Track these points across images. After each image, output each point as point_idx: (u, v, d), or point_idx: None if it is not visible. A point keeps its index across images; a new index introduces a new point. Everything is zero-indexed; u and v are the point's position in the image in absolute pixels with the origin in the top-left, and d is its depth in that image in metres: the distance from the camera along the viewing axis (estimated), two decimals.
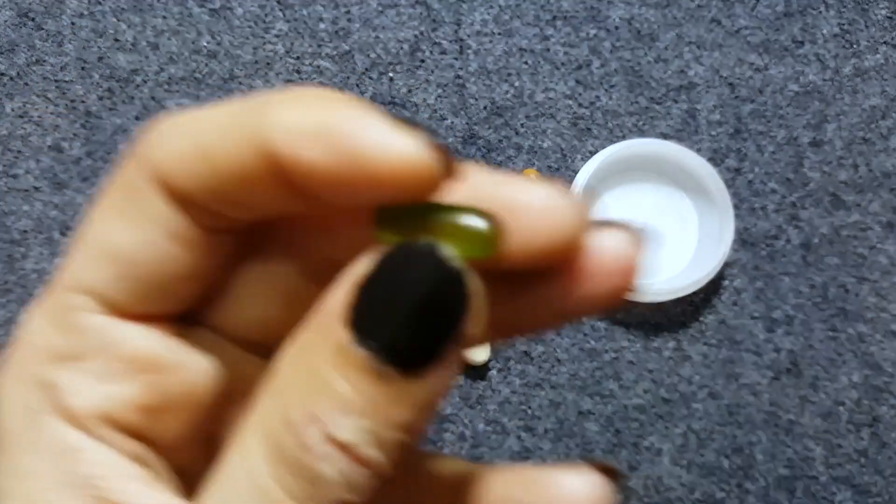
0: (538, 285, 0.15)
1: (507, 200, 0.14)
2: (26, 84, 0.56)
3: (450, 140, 0.56)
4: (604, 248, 0.15)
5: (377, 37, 0.57)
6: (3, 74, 0.56)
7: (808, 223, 0.55)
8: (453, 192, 0.14)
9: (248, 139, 0.14)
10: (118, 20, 0.57)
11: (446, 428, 0.53)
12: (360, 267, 0.13)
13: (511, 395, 0.53)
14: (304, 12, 0.57)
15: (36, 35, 0.56)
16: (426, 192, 0.14)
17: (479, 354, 0.53)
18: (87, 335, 0.15)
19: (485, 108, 0.56)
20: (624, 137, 0.56)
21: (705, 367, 0.54)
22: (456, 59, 0.57)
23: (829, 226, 0.55)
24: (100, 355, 0.15)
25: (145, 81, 0.56)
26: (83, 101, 0.56)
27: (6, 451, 0.15)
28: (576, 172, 0.54)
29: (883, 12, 0.58)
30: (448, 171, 0.14)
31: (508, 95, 0.56)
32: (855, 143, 0.56)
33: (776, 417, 0.53)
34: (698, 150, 0.55)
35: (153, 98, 0.56)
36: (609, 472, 0.16)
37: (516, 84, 0.56)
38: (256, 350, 0.17)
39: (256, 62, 0.56)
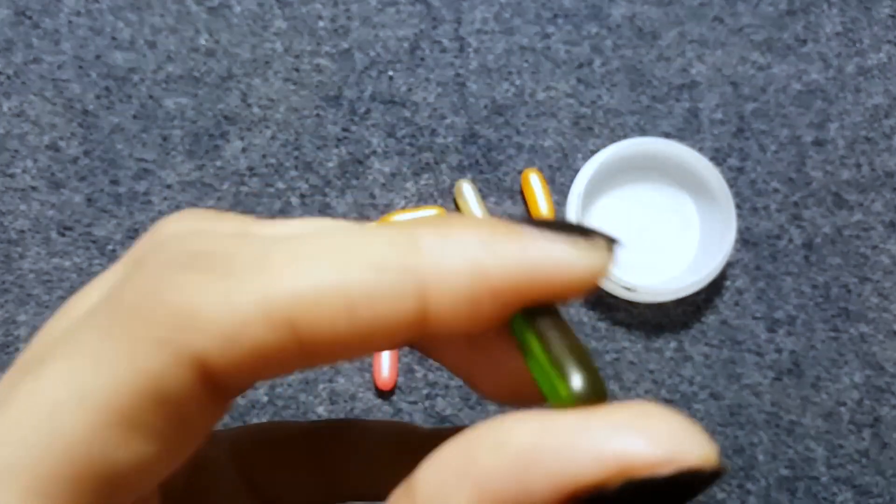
0: None
1: None
2: (23, 83, 0.55)
3: (450, 139, 0.55)
4: None
5: (377, 35, 0.56)
6: None
7: (810, 223, 0.55)
8: None
9: (410, 293, 0.12)
10: (116, 18, 0.56)
11: None
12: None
13: None
14: (303, 10, 0.57)
15: (33, 33, 0.56)
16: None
17: None
18: None
19: (485, 106, 0.56)
20: (626, 136, 0.55)
21: (707, 368, 0.54)
22: (456, 57, 0.56)
23: (832, 225, 0.55)
24: None
25: (143, 80, 0.55)
26: (80, 100, 0.55)
27: None
28: (577, 171, 0.54)
29: (886, 11, 0.57)
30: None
31: (509, 94, 0.56)
32: (858, 142, 0.56)
33: (777, 418, 0.53)
34: (700, 150, 0.55)
35: (151, 97, 0.55)
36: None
37: (517, 82, 0.56)
38: None
39: (255, 60, 0.56)
